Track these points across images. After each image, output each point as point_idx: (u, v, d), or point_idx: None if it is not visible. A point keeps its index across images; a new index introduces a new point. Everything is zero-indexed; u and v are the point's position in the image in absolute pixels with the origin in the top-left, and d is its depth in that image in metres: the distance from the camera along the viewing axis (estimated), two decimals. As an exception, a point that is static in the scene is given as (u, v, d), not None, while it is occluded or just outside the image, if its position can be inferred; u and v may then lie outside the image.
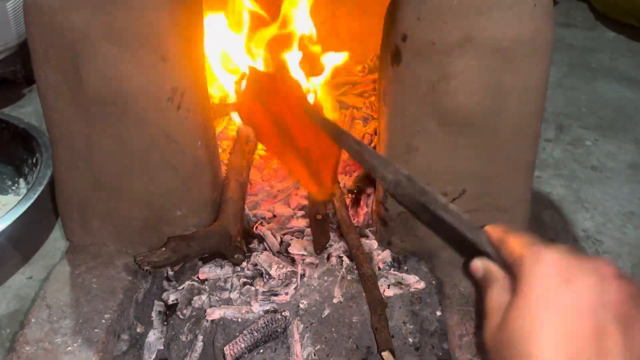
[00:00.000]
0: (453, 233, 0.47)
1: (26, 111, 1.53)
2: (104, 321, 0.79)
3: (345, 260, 0.90)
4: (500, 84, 0.76)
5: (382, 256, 0.91)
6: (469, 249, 0.46)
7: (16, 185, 1.26)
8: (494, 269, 0.44)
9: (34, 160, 1.21)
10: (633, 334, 0.37)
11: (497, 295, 0.42)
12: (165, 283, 0.90)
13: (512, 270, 0.41)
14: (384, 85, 0.84)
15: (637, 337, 0.37)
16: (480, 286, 0.45)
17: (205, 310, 0.83)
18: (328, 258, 0.91)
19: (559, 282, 0.38)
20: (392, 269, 0.90)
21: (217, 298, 0.85)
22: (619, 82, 1.71)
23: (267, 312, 0.82)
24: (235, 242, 0.88)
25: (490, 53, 0.75)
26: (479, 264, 0.45)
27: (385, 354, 0.75)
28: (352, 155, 0.71)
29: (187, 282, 0.88)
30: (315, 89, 1.21)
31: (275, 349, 0.79)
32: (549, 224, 1.20)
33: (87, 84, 0.78)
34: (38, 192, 1.07)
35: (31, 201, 1.05)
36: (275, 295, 0.84)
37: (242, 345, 0.77)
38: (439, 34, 0.75)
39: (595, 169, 1.35)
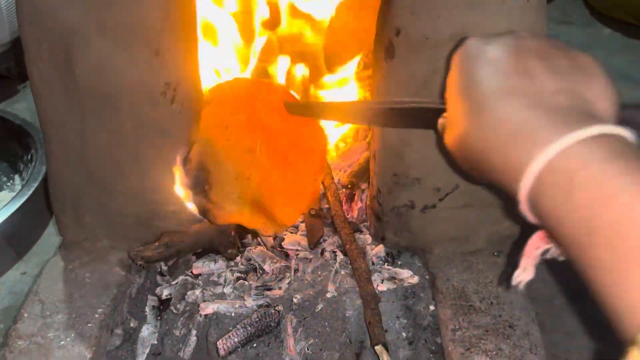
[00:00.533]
0: (417, 114, 0.55)
1: (20, 107, 1.53)
2: (97, 316, 0.79)
3: (339, 255, 0.90)
4: (493, 79, 0.76)
5: (376, 251, 0.91)
6: (434, 117, 0.51)
7: (11, 181, 1.26)
8: None
9: (29, 157, 1.21)
10: (554, 62, 0.39)
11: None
12: (158, 278, 0.90)
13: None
14: (377, 79, 0.84)
15: (558, 62, 0.39)
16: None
17: (198, 305, 0.83)
18: (322, 253, 0.91)
19: (479, 45, 0.42)
20: (385, 263, 0.90)
21: (210, 293, 0.85)
22: (615, 79, 1.69)
23: (260, 306, 0.82)
24: (229, 237, 0.88)
25: (483, 48, 0.75)
26: (441, 120, 0.49)
27: (378, 348, 0.75)
28: (346, 118, 0.81)
29: (181, 277, 0.88)
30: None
31: (269, 343, 0.79)
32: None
33: (81, 78, 0.78)
34: (33, 189, 1.07)
35: (26, 197, 1.06)
36: (269, 289, 0.84)
37: (236, 340, 0.77)
38: (432, 28, 0.75)
39: (590, 166, 1.36)
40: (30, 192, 1.06)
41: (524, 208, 0.36)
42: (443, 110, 0.49)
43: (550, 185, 0.34)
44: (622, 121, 0.37)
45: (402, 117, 0.60)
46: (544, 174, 0.34)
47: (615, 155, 0.32)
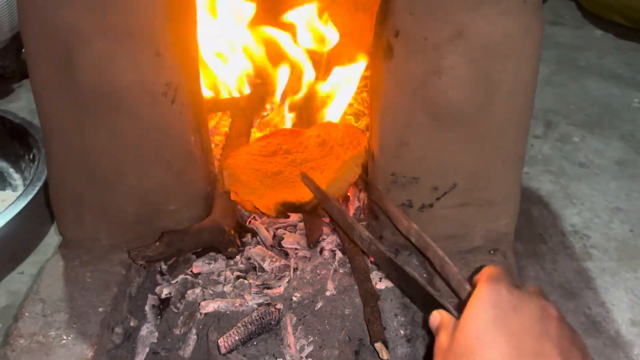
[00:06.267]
0: (417, 288, 0.67)
1: (15, 106, 1.52)
2: (97, 315, 0.80)
3: (338, 253, 0.91)
4: (490, 79, 0.77)
5: (374, 250, 0.92)
6: (429, 304, 0.62)
7: (14, 181, 1.26)
8: (447, 316, 0.53)
9: (31, 156, 1.21)
10: (566, 347, 0.43)
11: (445, 335, 0.50)
12: (158, 277, 0.90)
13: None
14: (375, 80, 0.85)
15: (570, 350, 0.42)
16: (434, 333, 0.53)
17: (199, 304, 0.84)
18: (321, 252, 0.92)
19: (507, 309, 0.44)
20: (384, 262, 0.91)
21: (210, 292, 0.86)
22: (606, 79, 1.73)
23: (260, 305, 0.83)
24: (228, 236, 0.89)
25: (480, 48, 0.76)
26: (436, 314, 0.55)
27: (377, 345, 0.76)
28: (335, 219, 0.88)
29: (181, 276, 0.89)
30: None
31: (269, 341, 0.79)
32: (537, 219, 1.21)
33: (81, 78, 0.78)
34: (37, 188, 1.08)
35: (30, 197, 1.06)
36: (269, 288, 0.85)
37: (236, 338, 0.77)
38: (430, 29, 0.76)
39: (583, 165, 1.37)
40: (34, 192, 1.06)
41: None
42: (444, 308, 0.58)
43: None
44: None
45: (400, 280, 0.72)
46: None
47: None
